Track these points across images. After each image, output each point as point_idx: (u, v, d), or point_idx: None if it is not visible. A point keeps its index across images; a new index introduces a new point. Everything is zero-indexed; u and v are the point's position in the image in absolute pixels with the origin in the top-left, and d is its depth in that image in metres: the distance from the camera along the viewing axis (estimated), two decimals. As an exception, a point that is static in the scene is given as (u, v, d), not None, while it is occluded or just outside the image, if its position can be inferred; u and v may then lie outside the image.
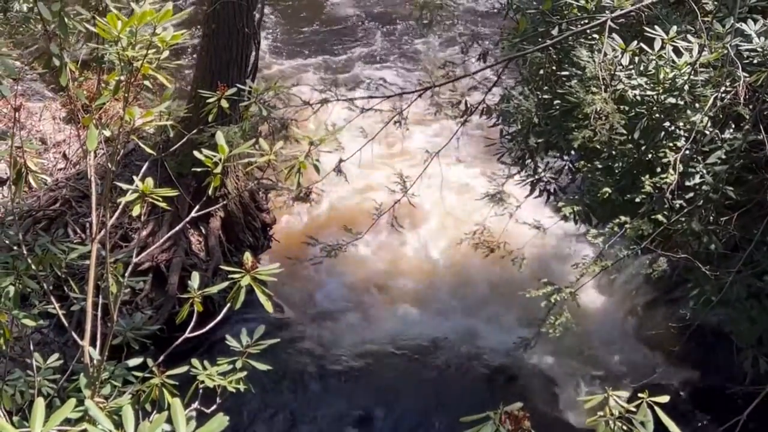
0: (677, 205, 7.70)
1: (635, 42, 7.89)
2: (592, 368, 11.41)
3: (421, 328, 12.30)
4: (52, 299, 4.83)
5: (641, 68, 7.94)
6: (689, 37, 7.84)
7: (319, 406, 11.31)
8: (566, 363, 11.46)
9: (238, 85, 5.83)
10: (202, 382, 4.54)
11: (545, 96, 8.63)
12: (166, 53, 4.24)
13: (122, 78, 4.29)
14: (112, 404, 4.32)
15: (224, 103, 4.95)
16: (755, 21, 7.84)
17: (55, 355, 5.19)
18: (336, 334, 12.34)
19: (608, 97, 7.31)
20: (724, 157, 7.74)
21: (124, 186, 4.33)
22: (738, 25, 7.65)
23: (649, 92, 7.84)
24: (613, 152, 8.10)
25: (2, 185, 11.90)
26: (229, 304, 4.33)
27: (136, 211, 4.27)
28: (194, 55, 13.60)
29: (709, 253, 7.97)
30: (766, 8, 8.04)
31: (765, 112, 7.62)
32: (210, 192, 4.47)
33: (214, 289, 4.52)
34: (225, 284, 4.38)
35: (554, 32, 8.22)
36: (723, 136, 7.86)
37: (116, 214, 4.75)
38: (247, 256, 4.34)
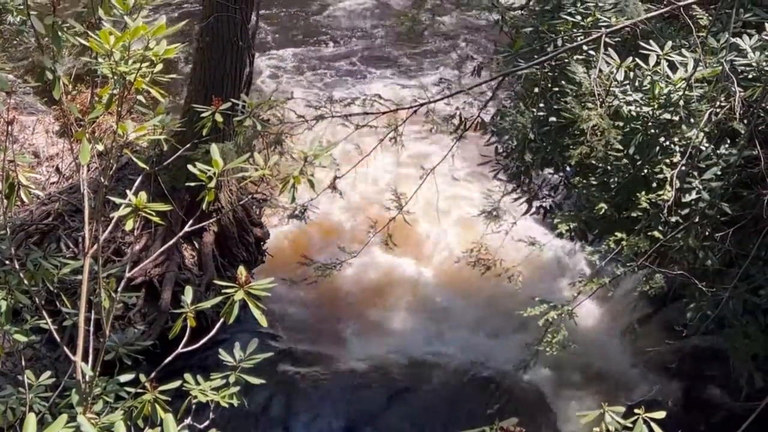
0: (673, 221, 7.68)
1: (630, 57, 7.89)
2: (589, 384, 11.37)
3: (416, 344, 12.25)
4: (44, 314, 4.80)
5: (636, 84, 7.95)
6: (684, 51, 7.85)
7: (313, 421, 11.26)
8: (562, 378, 11.42)
9: (232, 99, 5.81)
10: (195, 397, 4.51)
11: (540, 112, 8.62)
12: (159, 66, 4.22)
13: (115, 92, 4.27)
14: (104, 420, 4.29)
15: (218, 118, 4.93)
16: (750, 36, 7.86)
17: (47, 373, 5.15)
18: (330, 351, 12.29)
19: (604, 112, 7.30)
20: (719, 173, 7.73)
21: (117, 200, 4.30)
22: (732, 40, 7.66)
23: (644, 108, 7.84)
24: (609, 168, 8.09)
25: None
26: (222, 319, 4.31)
27: (129, 225, 4.24)
28: (189, 68, 13.56)
29: (705, 269, 7.95)
30: (761, 23, 8.04)
31: (760, 128, 7.61)
32: (204, 206, 4.44)
33: (207, 304, 4.49)
34: (218, 299, 4.35)
35: (549, 48, 8.22)
36: (718, 151, 7.86)
37: (109, 228, 4.73)
38: (241, 271, 4.33)
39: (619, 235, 7.72)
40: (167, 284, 11.48)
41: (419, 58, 18.44)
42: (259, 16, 12.13)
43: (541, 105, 8.65)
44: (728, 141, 7.97)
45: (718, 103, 7.62)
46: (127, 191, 4.34)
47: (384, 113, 8.07)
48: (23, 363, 5.10)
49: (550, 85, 8.63)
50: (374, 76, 17.93)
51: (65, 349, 4.60)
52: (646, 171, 7.93)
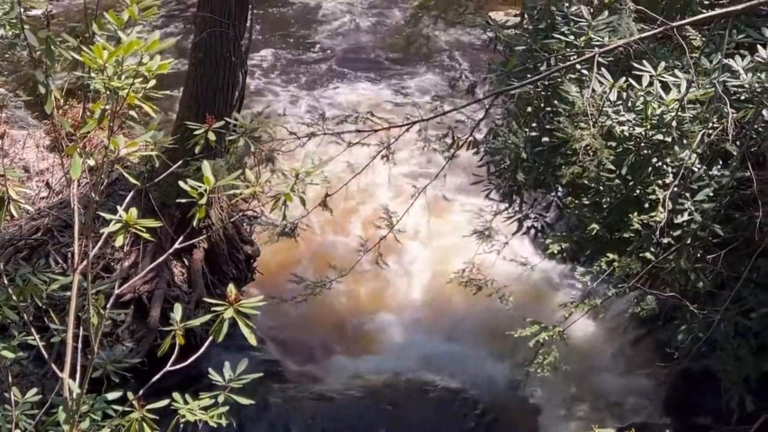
0: (665, 243, 7.67)
1: (623, 77, 7.90)
2: (579, 406, 11.33)
3: (406, 363, 12.20)
4: (32, 330, 4.76)
5: (629, 104, 7.95)
6: (677, 72, 7.86)
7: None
8: (553, 399, 11.38)
9: (225, 118, 5.78)
10: (183, 416, 4.47)
11: (533, 132, 8.61)
12: (152, 82, 4.19)
13: (107, 107, 4.24)
14: (91, 438, 4.25)
15: (211, 136, 4.90)
16: (743, 57, 7.87)
17: (34, 390, 5.10)
18: (319, 369, 12.24)
19: (596, 132, 7.30)
20: (711, 194, 7.73)
21: (108, 216, 4.27)
22: (725, 61, 7.67)
23: (637, 128, 7.85)
24: (601, 188, 8.08)
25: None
26: (211, 337, 4.27)
27: (119, 241, 4.21)
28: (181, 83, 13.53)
29: (697, 291, 7.94)
30: (753, 44, 8.06)
31: (752, 149, 7.62)
32: (194, 223, 4.41)
33: (196, 322, 4.45)
34: (208, 317, 4.31)
35: (542, 68, 8.23)
36: (711, 172, 7.86)
37: (99, 244, 4.69)
38: (231, 288, 4.28)
39: (610, 256, 7.71)
40: (156, 301, 11.40)
41: (413, 77, 18.43)
42: (253, 32, 12.13)
43: (534, 124, 8.64)
44: (720, 162, 7.98)
45: (710, 124, 7.63)
46: (118, 207, 4.31)
47: (376, 131, 8.06)
48: (10, 379, 5.06)
49: (543, 105, 8.62)
50: (367, 94, 17.90)
51: (53, 365, 4.56)
52: (638, 192, 7.92)
